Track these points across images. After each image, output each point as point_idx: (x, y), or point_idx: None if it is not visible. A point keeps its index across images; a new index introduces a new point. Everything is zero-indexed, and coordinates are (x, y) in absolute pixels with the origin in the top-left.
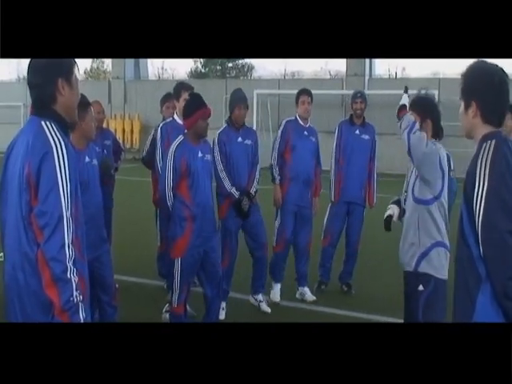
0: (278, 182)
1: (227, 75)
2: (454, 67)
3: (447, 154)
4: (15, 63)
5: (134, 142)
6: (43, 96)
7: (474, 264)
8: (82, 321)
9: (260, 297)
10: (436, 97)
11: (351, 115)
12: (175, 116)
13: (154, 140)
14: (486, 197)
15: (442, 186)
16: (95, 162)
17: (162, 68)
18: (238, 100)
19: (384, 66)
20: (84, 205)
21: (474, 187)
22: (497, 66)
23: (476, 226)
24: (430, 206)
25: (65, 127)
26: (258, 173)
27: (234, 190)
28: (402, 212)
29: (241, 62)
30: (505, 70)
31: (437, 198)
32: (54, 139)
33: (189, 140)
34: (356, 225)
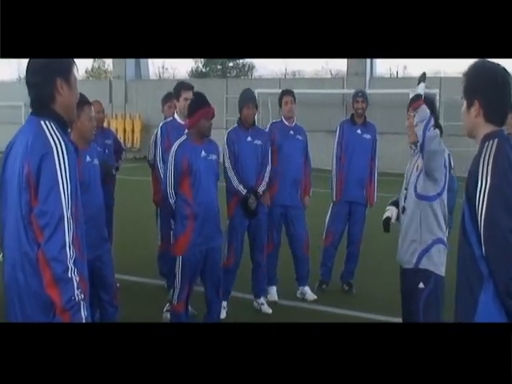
0: None
1: (228, 75)
2: (455, 66)
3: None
4: (16, 63)
5: (134, 141)
6: (42, 96)
7: (476, 263)
8: (83, 319)
9: (262, 299)
10: (437, 96)
11: (352, 114)
12: (175, 115)
13: (157, 140)
14: (488, 196)
15: (445, 183)
16: (96, 161)
17: (163, 67)
18: (247, 100)
19: (385, 65)
20: (85, 204)
21: (477, 186)
22: (499, 65)
23: (478, 224)
24: (433, 202)
25: (64, 127)
26: (267, 174)
27: (241, 188)
28: (402, 210)
29: (241, 61)
30: (507, 69)
31: (439, 194)
32: (53, 139)
33: (192, 139)
34: (358, 224)
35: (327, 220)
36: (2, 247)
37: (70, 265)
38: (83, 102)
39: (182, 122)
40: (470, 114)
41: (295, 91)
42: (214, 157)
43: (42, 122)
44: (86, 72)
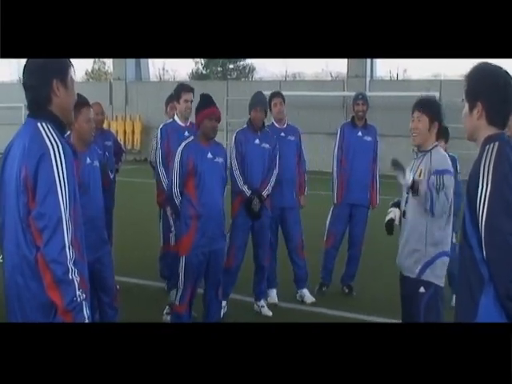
0: None
1: (228, 77)
2: (456, 69)
3: (453, 157)
4: (16, 64)
5: (135, 143)
6: (38, 97)
7: (477, 266)
8: (86, 319)
9: (262, 302)
10: (437, 99)
11: (353, 117)
12: (175, 117)
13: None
14: (489, 199)
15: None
16: (96, 163)
17: (163, 69)
18: (256, 103)
19: (385, 68)
20: (84, 206)
21: (477, 189)
22: (501, 67)
23: (479, 227)
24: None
25: (61, 128)
26: (273, 178)
27: (245, 188)
28: (403, 214)
29: (242, 63)
30: (507, 70)
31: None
32: (50, 141)
33: (198, 140)
34: (360, 226)
35: (328, 222)
36: (2, 250)
37: (71, 266)
38: (81, 103)
39: (182, 124)
40: (473, 117)
41: (295, 93)
42: (220, 160)
43: (39, 124)
44: (86, 74)
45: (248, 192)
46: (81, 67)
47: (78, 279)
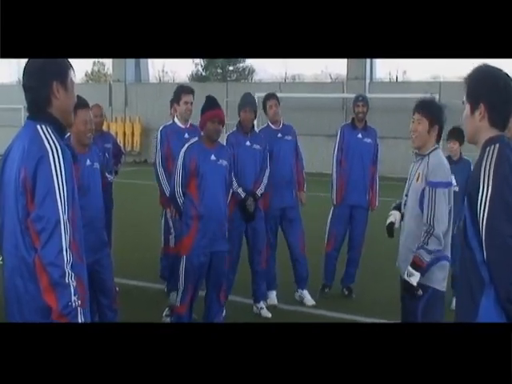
0: None
1: (228, 78)
2: (455, 70)
3: (468, 160)
4: (16, 65)
5: (134, 144)
6: (38, 99)
7: (478, 268)
8: None
9: (261, 304)
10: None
11: (353, 119)
12: (175, 119)
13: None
14: (489, 201)
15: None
16: (97, 165)
17: (163, 71)
18: (245, 104)
19: (385, 70)
20: (84, 208)
21: (478, 191)
22: (501, 69)
23: (479, 229)
24: None
25: (60, 131)
26: (266, 178)
27: (240, 190)
28: (402, 216)
29: (241, 65)
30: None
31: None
32: (49, 143)
33: (203, 142)
34: (360, 228)
35: (328, 223)
36: (1, 251)
37: (67, 270)
38: (78, 105)
39: (182, 126)
40: (475, 118)
41: (295, 95)
42: (224, 162)
43: (38, 127)
44: (85, 75)
45: (242, 194)
46: (80, 69)
47: (75, 284)
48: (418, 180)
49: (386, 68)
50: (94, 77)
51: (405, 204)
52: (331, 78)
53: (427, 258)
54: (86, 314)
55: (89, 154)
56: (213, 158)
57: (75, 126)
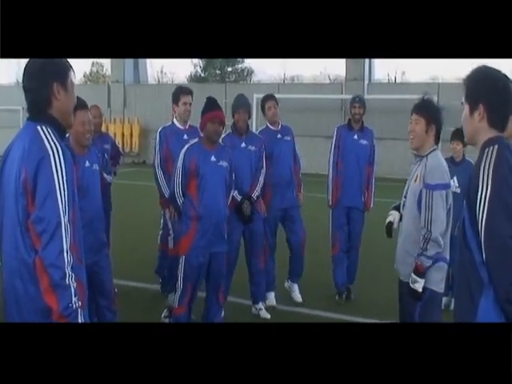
0: None
1: (226, 79)
2: (454, 72)
3: (470, 162)
4: (15, 65)
5: (133, 145)
6: (38, 100)
7: (477, 269)
8: None
9: (260, 305)
10: (436, 101)
11: (349, 120)
12: (174, 120)
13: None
14: (488, 202)
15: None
16: (96, 166)
17: (162, 72)
18: (239, 105)
19: (383, 71)
20: (83, 209)
21: (477, 192)
22: (500, 71)
23: (479, 230)
24: None
25: (61, 132)
26: (261, 178)
27: (236, 194)
28: (400, 217)
29: (240, 66)
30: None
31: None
32: (50, 144)
33: (203, 143)
34: (357, 230)
35: (330, 227)
36: (0, 252)
37: (68, 271)
38: (76, 106)
39: (181, 127)
40: (474, 119)
41: (294, 96)
42: (224, 164)
43: (39, 128)
44: (84, 76)
45: (238, 197)
46: (79, 70)
47: (75, 285)
48: (415, 181)
49: (384, 69)
50: (92, 78)
51: (403, 205)
52: (330, 79)
53: (428, 264)
54: (86, 316)
55: (88, 156)
56: (213, 159)
57: (74, 127)
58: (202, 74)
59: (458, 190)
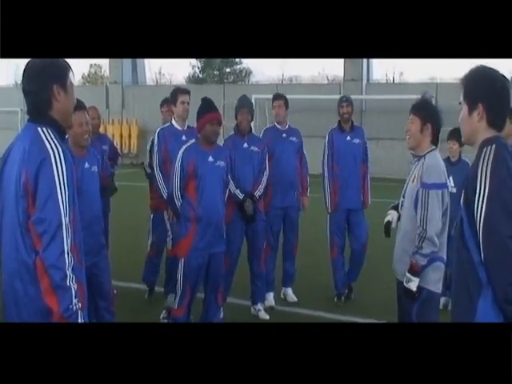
0: None
1: (225, 80)
2: (451, 72)
3: (466, 162)
4: (13, 67)
5: (131, 146)
6: (39, 102)
7: (475, 269)
8: None
9: (259, 306)
10: (434, 102)
11: (339, 121)
12: (173, 121)
13: (154, 146)
14: (487, 202)
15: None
16: (95, 168)
17: (160, 73)
18: (241, 106)
19: (381, 71)
20: (82, 211)
21: (475, 192)
22: (497, 71)
23: (477, 230)
24: None
25: (61, 133)
26: (264, 179)
27: (237, 192)
28: (399, 218)
29: (238, 67)
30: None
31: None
32: (51, 145)
33: (200, 144)
34: (360, 228)
35: (328, 232)
36: (0, 254)
37: (69, 272)
38: (75, 107)
39: (180, 128)
40: (473, 119)
41: (292, 97)
42: (221, 163)
43: (39, 129)
44: (82, 77)
45: (240, 195)
46: (77, 71)
47: (76, 287)
48: (413, 181)
49: (382, 69)
50: (90, 79)
51: (401, 205)
52: (328, 80)
53: (423, 262)
54: (85, 317)
55: (87, 157)
56: (210, 159)
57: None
58: (200, 75)
59: (454, 190)
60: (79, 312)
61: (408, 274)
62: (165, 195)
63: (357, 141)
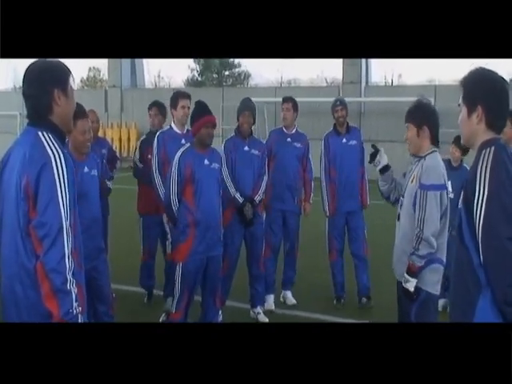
0: None
1: (224, 83)
2: (450, 74)
3: (466, 168)
4: (12, 72)
5: (130, 150)
6: (39, 106)
7: (474, 270)
8: None
9: (258, 309)
10: (431, 103)
11: (334, 125)
12: (172, 124)
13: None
14: (486, 204)
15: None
16: (95, 172)
17: (159, 76)
18: (244, 108)
19: (380, 73)
20: (81, 215)
21: (474, 194)
22: (496, 73)
23: (476, 232)
24: None
25: (61, 137)
26: (264, 184)
27: (237, 195)
28: (397, 217)
29: (237, 70)
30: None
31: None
32: (52, 150)
33: (195, 147)
34: (360, 232)
35: (327, 236)
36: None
37: (69, 276)
38: (77, 115)
39: (179, 132)
40: (472, 121)
41: None
42: (216, 165)
43: (40, 133)
44: (81, 81)
45: (240, 199)
46: (76, 75)
47: (76, 291)
48: (412, 181)
49: (381, 72)
50: (89, 83)
51: (401, 205)
52: (327, 82)
53: (419, 264)
54: (85, 321)
55: (87, 161)
56: (206, 162)
57: (74, 135)
58: (199, 78)
59: (452, 196)
60: (79, 316)
61: (405, 275)
62: (163, 197)
63: (353, 142)
